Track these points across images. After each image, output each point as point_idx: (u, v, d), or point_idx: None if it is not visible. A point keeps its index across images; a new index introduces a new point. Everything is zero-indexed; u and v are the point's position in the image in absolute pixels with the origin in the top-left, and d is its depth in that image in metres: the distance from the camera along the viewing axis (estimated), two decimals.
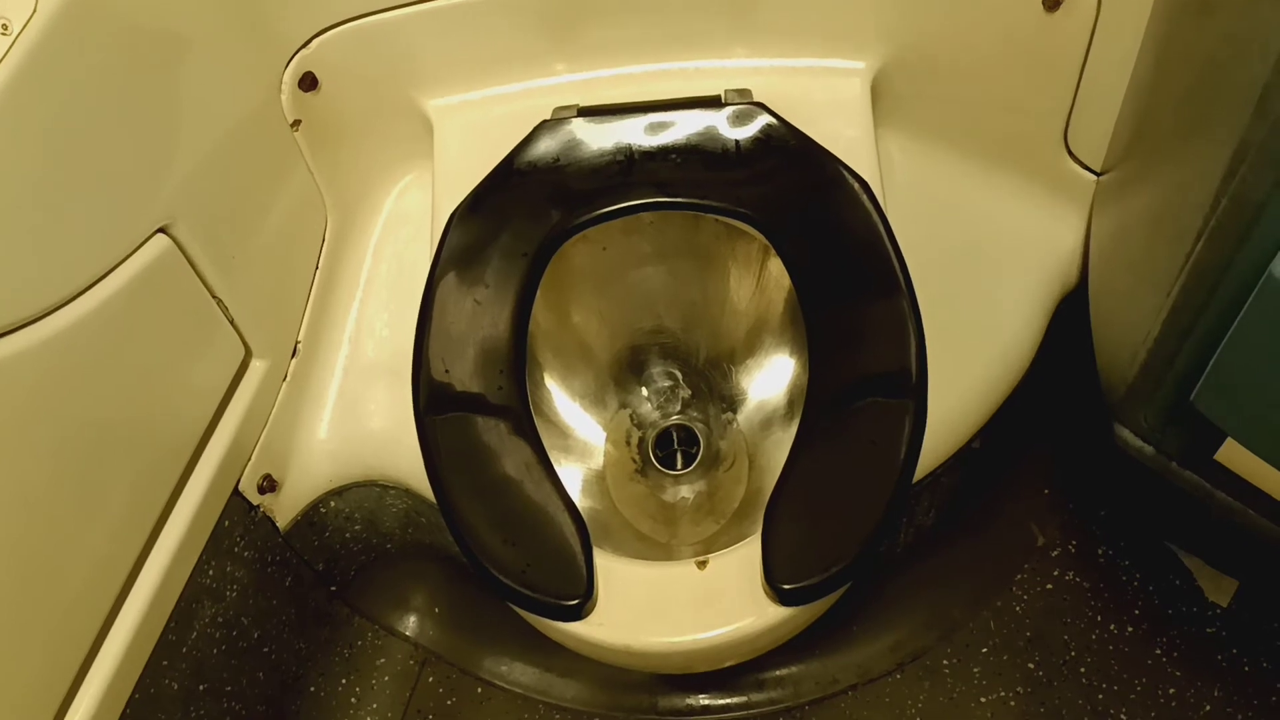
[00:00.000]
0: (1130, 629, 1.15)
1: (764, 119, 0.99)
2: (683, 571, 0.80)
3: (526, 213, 0.96)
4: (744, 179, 0.96)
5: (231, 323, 0.98)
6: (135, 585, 0.89)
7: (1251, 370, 0.75)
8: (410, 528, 1.20)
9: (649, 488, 1.05)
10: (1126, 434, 0.95)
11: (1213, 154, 0.71)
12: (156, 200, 0.87)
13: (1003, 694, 1.13)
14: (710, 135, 0.99)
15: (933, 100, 1.13)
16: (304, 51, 1.05)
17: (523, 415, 0.86)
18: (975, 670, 1.15)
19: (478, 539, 0.79)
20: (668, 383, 1.10)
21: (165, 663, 0.94)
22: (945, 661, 1.16)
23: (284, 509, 1.12)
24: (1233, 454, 0.86)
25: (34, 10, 0.73)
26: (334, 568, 1.21)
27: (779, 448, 0.98)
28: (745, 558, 0.79)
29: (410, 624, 1.25)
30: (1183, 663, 1.12)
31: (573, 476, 1.02)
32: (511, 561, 0.78)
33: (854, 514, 0.78)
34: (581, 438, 1.06)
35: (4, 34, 0.71)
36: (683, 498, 1.04)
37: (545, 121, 1.02)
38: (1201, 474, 0.91)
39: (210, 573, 1.00)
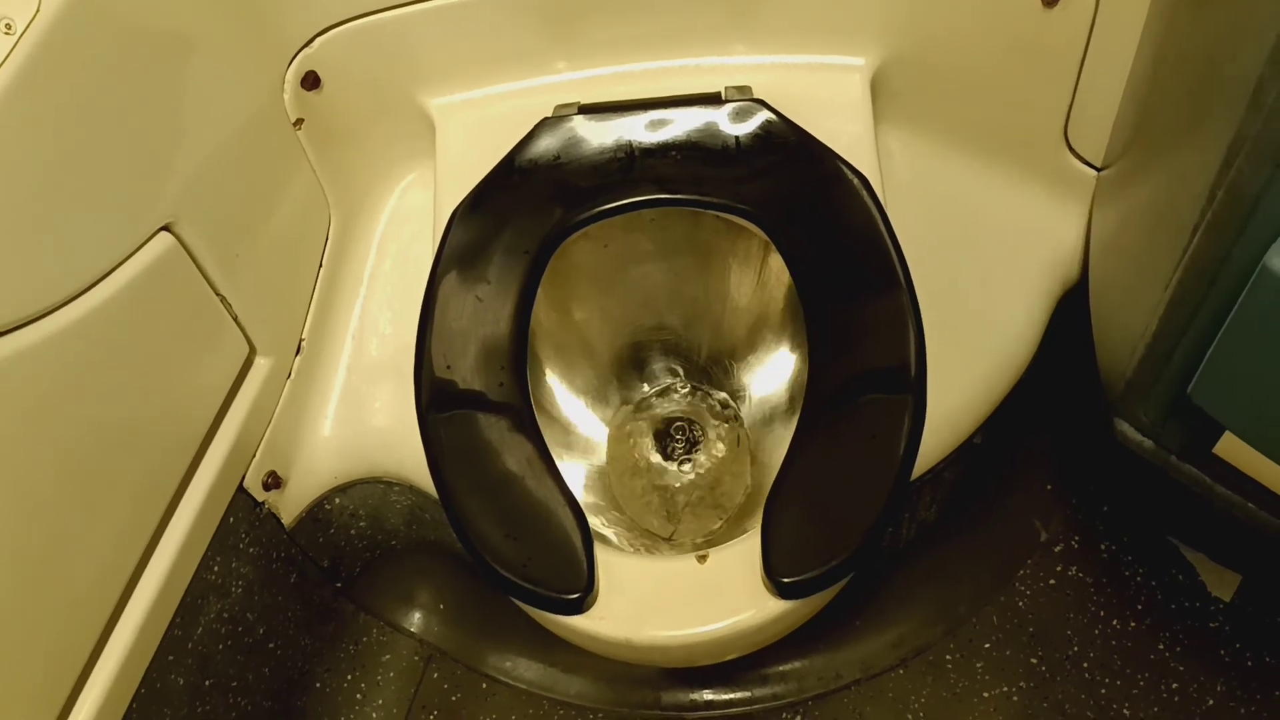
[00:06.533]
0: (1133, 623, 1.15)
1: (764, 115, 1.00)
2: (683, 565, 0.80)
3: (528, 210, 0.96)
4: (744, 175, 0.96)
5: (235, 320, 0.99)
6: (140, 581, 0.89)
7: (1247, 363, 0.75)
8: (415, 524, 1.20)
9: (650, 483, 1.05)
10: (1127, 428, 0.95)
11: (1209, 147, 0.71)
12: (160, 198, 0.88)
13: (1006, 689, 1.13)
14: (711, 132, 0.99)
15: (933, 96, 1.13)
16: (306, 50, 1.05)
17: (524, 412, 0.86)
18: (978, 665, 1.15)
19: (479, 534, 0.80)
20: (669, 379, 1.11)
21: (171, 658, 0.94)
22: (948, 656, 1.16)
23: (289, 506, 1.12)
24: (1231, 447, 0.86)
25: (37, 10, 0.74)
26: (339, 564, 1.22)
27: (780, 443, 0.98)
28: (746, 551, 0.79)
29: (415, 620, 1.25)
30: (1186, 657, 1.12)
31: (575, 472, 1.03)
32: (513, 556, 0.78)
33: (854, 507, 0.78)
34: (583, 434, 1.06)
35: (7, 33, 0.72)
36: (684, 493, 1.04)
37: (546, 119, 1.02)
38: (1201, 468, 0.91)
39: (215, 569, 1.00)
